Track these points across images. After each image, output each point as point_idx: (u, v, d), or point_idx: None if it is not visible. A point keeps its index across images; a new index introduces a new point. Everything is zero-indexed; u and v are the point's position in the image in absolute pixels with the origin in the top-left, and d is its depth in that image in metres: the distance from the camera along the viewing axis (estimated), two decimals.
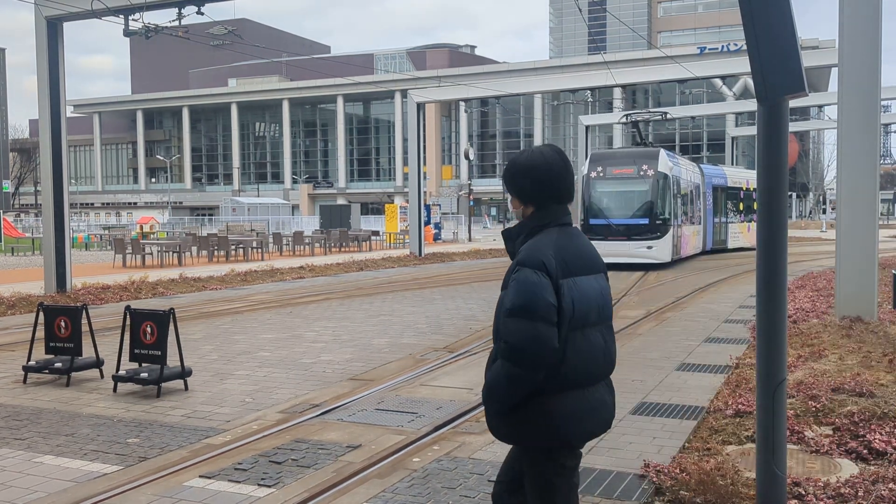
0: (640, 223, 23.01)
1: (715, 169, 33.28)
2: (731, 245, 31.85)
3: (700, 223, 29.07)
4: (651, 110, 35.41)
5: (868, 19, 10.97)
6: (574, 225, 3.12)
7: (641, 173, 23.21)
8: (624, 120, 30.90)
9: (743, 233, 32.55)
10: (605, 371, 3.05)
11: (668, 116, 34.89)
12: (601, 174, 23.56)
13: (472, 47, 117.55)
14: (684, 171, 26.73)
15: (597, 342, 2.97)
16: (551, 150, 3.08)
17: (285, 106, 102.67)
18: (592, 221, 23.37)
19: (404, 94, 49.46)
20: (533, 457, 3.00)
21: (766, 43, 3.92)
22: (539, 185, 3.00)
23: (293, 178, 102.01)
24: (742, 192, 32.81)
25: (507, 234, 3.09)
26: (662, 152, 24.16)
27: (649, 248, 22.92)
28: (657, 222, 23.06)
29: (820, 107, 44.13)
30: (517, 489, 3.13)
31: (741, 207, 32.88)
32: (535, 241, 2.94)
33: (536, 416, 2.88)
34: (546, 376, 2.84)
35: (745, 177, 33.63)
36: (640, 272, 21.91)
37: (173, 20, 16.61)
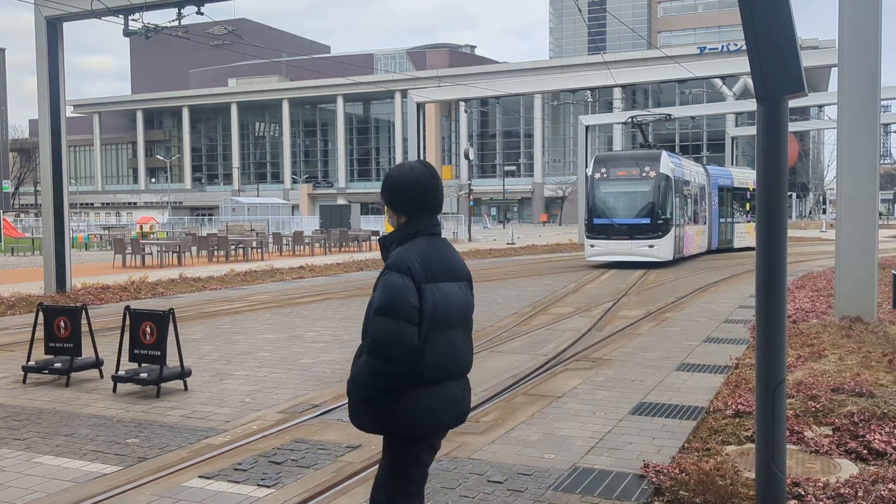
0: (641, 223, 23.57)
1: (721, 170, 33.61)
2: (737, 245, 32.14)
3: (705, 223, 29.60)
4: (655, 112, 35.82)
5: (868, 19, 10.97)
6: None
7: (644, 175, 23.75)
8: (629, 122, 31.21)
9: (749, 232, 32.72)
10: (463, 370, 3.32)
11: (670, 117, 35.32)
12: (605, 175, 24.15)
13: (472, 47, 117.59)
14: (687, 172, 27.21)
15: (456, 343, 3.25)
16: (420, 166, 3.32)
17: (285, 106, 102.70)
18: (596, 221, 23.94)
19: (404, 94, 49.48)
20: (391, 445, 3.29)
21: (766, 43, 3.92)
22: (408, 197, 3.27)
23: (293, 178, 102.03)
24: (748, 193, 33.18)
25: (382, 242, 3.36)
26: (664, 154, 24.68)
27: (651, 246, 23.49)
28: (658, 222, 23.62)
29: (820, 107, 44.15)
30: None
31: (747, 207, 33.29)
32: (404, 248, 3.21)
33: (395, 408, 3.15)
34: (406, 371, 3.09)
35: (750, 177, 33.83)
36: (640, 272, 21.91)
37: (173, 20, 16.60)
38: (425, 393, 3.16)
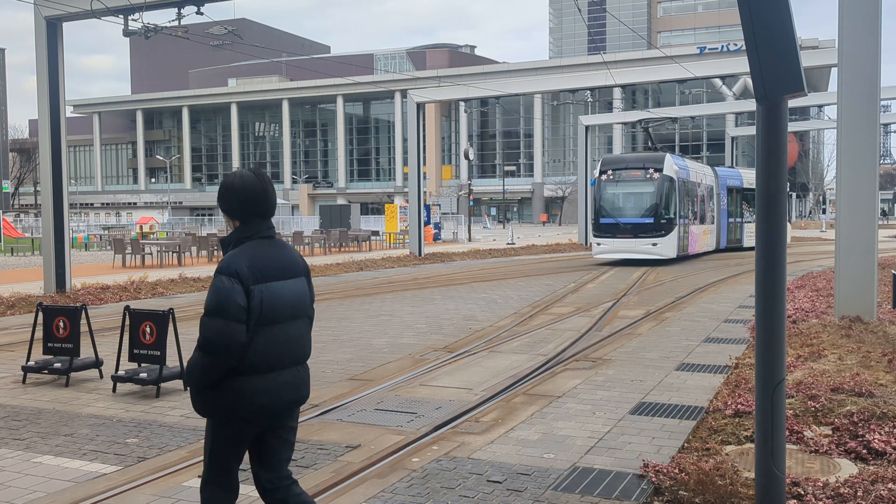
0: (645, 222, 24.67)
1: (730, 171, 34.34)
2: (746, 244, 32.74)
3: (713, 222, 30.60)
4: (663, 115, 36.47)
5: (868, 19, 10.97)
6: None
7: (648, 176, 24.80)
8: (639, 126, 31.88)
9: None
10: (296, 358, 3.59)
11: (676, 120, 35.89)
12: (610, 177, 25.28)
13: (472, 47, 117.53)
14: (693, 173, 28.07)
15: (288, 335, 3.52)
16: (250, 174, 3.58)
17: (285, 106, 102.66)
18: (602, 220, 25.08)
19: (404, 94, 49.44)
20: (218, 425, 3.51)
21: (765, 42, 3.92)
22: (239, 204, 3.53)
23: (293, 178, 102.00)
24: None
25: (222, 243, 3.59)
26: (669, 156, 25.66)
27: (654, 245, 24.55)
28: (662, 221, 24.66)
29: (820, 107, 44.13)
30: (268, 466, 3.64)
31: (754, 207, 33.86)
32: (234, 252, 3.48)
33: (228, 395, 3.40)
34: (237, 362, 3.38)
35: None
36: (640, 272, 21.93)
37: (173, 20, 16.58)
38: (256, 380, 3.42)
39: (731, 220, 32.56)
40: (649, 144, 30.16)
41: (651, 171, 24.76)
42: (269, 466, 3.65)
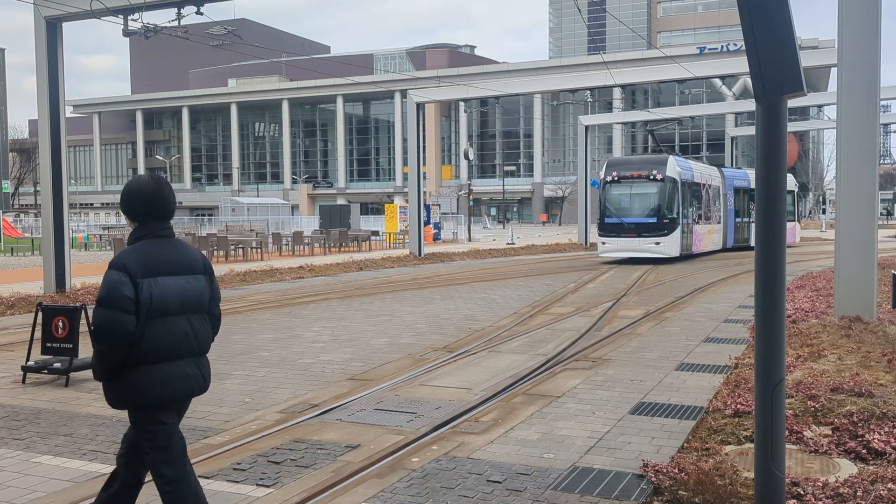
0: (648, 222, 25.50)
1: (737, 172, 35.11)
2: (753, 243, 33.12)
3: (719, 222, 31.32)
4: (665, 116, 37.08)
5: (867, 19, 10.97)
6: (179, 235, 3.51)
7: (651, 178, 25.62)
8: (647, 131, 32.55)
9: None
10: (192, 350, 3.88)
11: (673, 117, 37.01)
12: (615, 178, 26.16)
13: (472, 47, 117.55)
14: (697, 174, 28.81)
15: (180, 328, 3.81)
16: (147, 179, 3.92)
17: (285, 106, 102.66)
18: (607, 220, 26.04)
19: (404, 94, 49.44)
20: (135, 418, 3.82)
21: (765, 42, 3.92)
22: (135, 206, 3.86)
23: (293, 179, 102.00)
24: None
25: (128, 241, 3.93)
26: (672, 158, 26.43)
27: (657, 244, 25.32)
28: (664, 221, 25.45)
29: (819, 106, 44.16)
30: (133, 463, 3.91)
31: None
32: (128, 248, 3.81)
33: (127, 385, 3.71)
34: (129, 353, 3.67)
35: None
36: (640, 272, 21.94)
37: (172, 20, 16.58)
38: (152, 370, 3.73)
39: (739, 219, 33.38)
40: (654, 147, 31.13)
41: (654, 172, 25.53)
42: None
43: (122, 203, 3.92)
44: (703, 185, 29.23)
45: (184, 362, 3.85)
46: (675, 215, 25.77)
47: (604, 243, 26.03)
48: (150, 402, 3.75)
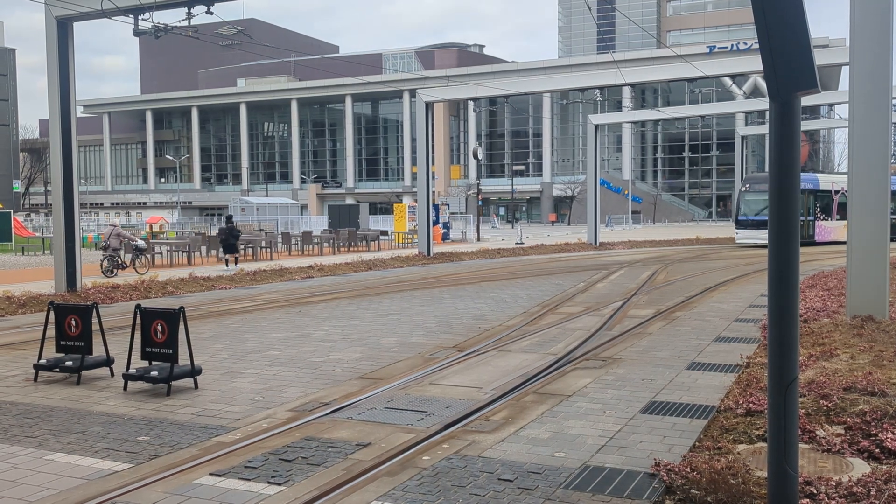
0: (763, 220, 31.25)
1: (806, 175, 38.53)
2: (818, 239, 37.60)
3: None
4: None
5: (880, 17, 10.91)
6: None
7: (765, 188, 30.39)
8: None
9: (834, 229, 38.38)
10: None
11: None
12: (748, 188, 36.06)
13: (481, 47, 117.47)
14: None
15: None
16: None
17: (294, 106, 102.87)
18: (741, 218, 35.66)
19: (413, 93, 49.48)
20: None
21: (779, 39, 3.90)
22: None
23: (302, 178, 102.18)
24: (833, 194, 38.32)
25: None
26: None
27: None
28: None
29: (830, 105, 43.97)
30: None
31: (829, 207, 38.78)
32: None
33: None
34: None
35: (831, 180, 39.13)
36: (650, 272, 21.90)
37: (183, 20, 16.61)
38: None
39: (803, 218, 37.09)
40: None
41: (766, 184, 29.88)
42: None
43: None
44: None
45: None
46: None
47: (738, 233, 35.66)
48: None
